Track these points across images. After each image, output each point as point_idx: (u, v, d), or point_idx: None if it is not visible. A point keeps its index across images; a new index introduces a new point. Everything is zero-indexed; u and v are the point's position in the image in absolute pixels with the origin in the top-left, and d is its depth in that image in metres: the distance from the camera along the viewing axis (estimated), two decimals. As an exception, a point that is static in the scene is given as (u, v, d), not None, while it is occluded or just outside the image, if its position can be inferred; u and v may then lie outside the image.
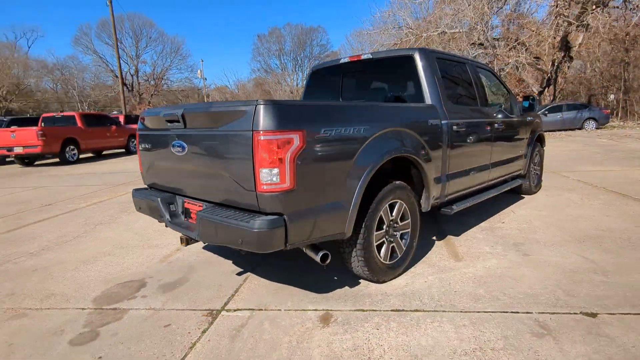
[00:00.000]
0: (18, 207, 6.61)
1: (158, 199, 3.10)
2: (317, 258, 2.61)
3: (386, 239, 3.08)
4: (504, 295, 2.80)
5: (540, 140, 5.96)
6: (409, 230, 3.29)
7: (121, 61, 52.96)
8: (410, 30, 22.72)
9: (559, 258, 3.42)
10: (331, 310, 2.72)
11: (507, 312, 2.57)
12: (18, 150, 12.90)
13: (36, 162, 14.77)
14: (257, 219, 2.30)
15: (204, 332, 2.52)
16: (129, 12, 57.70)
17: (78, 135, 14.06)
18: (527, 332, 2.33)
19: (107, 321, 2.73)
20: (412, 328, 2.44)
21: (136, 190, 3.52)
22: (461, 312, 2.60)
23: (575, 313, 2.52)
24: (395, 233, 3.17)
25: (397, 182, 3.10)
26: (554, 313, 2.53)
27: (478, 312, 2.59)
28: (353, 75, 4.30)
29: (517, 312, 2.56)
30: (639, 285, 2.83)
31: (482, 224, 4.50)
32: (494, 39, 21.53)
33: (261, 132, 2.24)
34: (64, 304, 3.01)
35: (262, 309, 2.78)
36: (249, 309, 2.78)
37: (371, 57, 4.00)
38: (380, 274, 3.04)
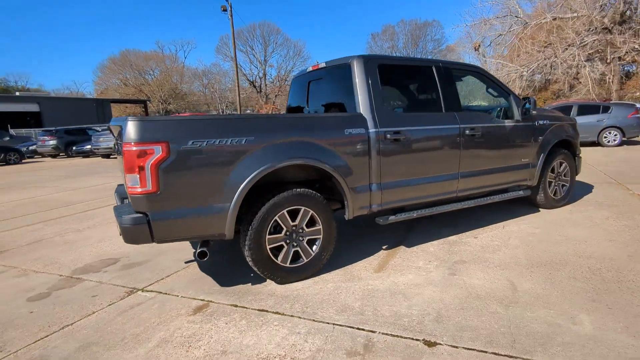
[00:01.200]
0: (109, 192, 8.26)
1: (115, 192, 3.76)
2: (196, 254, 2.92)
3: (286, 243, 3.20)
4: (373, 311, 2.69)
5: (568, 147, 5.08)
6: (321, 236, 3.33)
7: (252, 66, 58.76)
8: (519, 18, 20.45)
9: (482, 282, 3.05)
10: (213, 302, 2.99)
11: (352, 327, 2.51)
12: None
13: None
14: (125, 216, 2.72)
15: (110, 304, 3.05)
16: (261, 21, 63.50)
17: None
18: (344, 349, 2.27)
19: (62, 286, 3.47)
20: (253, 328, 2.58)
21: (119, 185, 4.26)
22: (312, 320, 2.62)
23: (416, 339, 2.33)
24: (300, 238, 3.26)
25: (300, 189, 3.18)
26: (395, 336, 2.38)
27: (327, 323, 2.58)
28: (316, 83, 4.37)
29: (362, 330, 2.47)
30: (532, 324, 2.43)
31: (452, 237, 4.14)
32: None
33: (124, 144, 2.64)
34: (54, 270, 3.88)
35: (166, 293, 3.20)
36: (157, 292, 3.23)
37: (325, 65, 4.04)
38: (279, 276, 3.18)
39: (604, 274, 3.05)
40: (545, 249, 3.65)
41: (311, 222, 3.30)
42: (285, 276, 3.21)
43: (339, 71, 3.82)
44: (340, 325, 2.54)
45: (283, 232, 3.18)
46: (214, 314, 2.80)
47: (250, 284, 3.28)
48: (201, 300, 3.04)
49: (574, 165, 5.15)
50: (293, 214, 3.20)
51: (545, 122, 4.70)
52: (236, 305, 2.90)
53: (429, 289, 2.98)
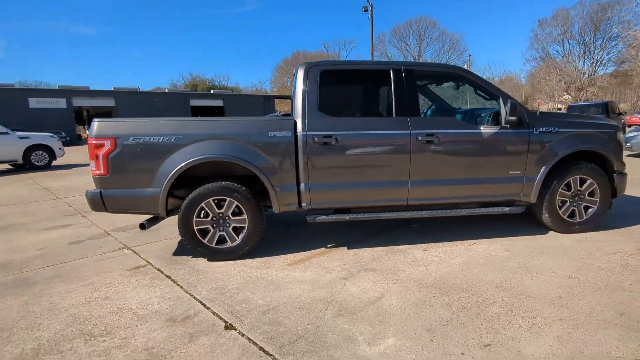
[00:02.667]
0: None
1: None
2: (139, 224, 3.73)
3: (212, 227, 3.72)
4: (235, 294, 3.00)
5: (598, 162, 4.04)
6: (246, 225, 3.73)
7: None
8: None
9: (357, 289, 2.98)
10: (151, 264, 3.73)
11: (201, 301, 2.90)
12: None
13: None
14: (89, 190, 3.69)
15: (101, 254, 4.14)
16: (417, 17, 62.35)
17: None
18: (170, 315, 2.72)
19: (94, 237, 4.76)
20: (146, 287, 3.21)
21: None
22: (185, 291, 3.10)
23: (223, 320, 2.59)
24: (227, 225, 3.73)
25: (224, 182, 3.65)
26: (216, 315, 2.68)
27: (191, 295, 3.03)
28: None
29: (204, 305, 2.85)
30: (330, 334, 2.39)
31: (401, 246, 3.92)
32: None
33: (88, 138, 3.59)
34: (104, 227, 5.27)
35: (137, 253, 4.11)
36: (133, 251, 4.18)
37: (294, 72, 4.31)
38: (205, 254, 3.73)
39: (485, 309, 2.61)
40: (473, 273, 3.20)
41: (238, 212, 3.73)
42: (211, 255, 3.74)
43: (294, 77, 4.07)
44: (196, 298, 2.97)
45: (210, 217, 3.71)
46: (140, 272, 3.56)
47: (191, 257, 3.93)
48: (146, 261, 3.83)
49: (606, 184, 4.06)
50: (221, 203, 3.70)
51: (551, 129, 3.89)
52: (160, 270, 3.60)
53: (302, 287, 3.09)
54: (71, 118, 36.04)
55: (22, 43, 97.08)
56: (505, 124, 3.78)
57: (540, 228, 4.27)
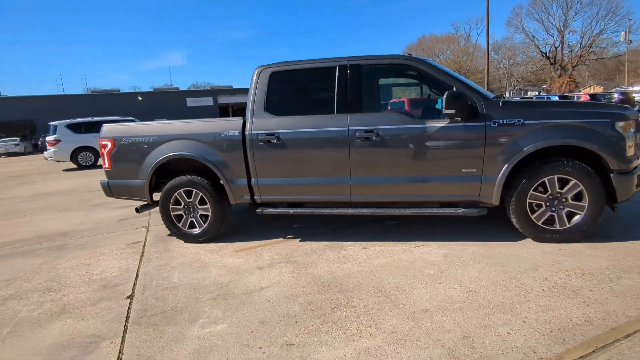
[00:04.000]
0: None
1: None
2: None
3: (185, 213, 4.31)
4: (154, 271, 3.53)
5: (584, 158, 3.22)
6: (209, 214, 4.21)
7: (547, 35, 51.31)
8: None
9: (256, 278, 3.17)
10: (147, 242, 4.54)
11: (128, 271, 3.50)
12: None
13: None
14: (102, 180, 4.64)
15: (124, 230, 5.17)
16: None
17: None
18: (105, 282, 3.38)
19: (134, 217, 5.89)
20: (115, 258, 3.98)
21: None
22: (133, 259, 3.76)
23: (125, 298, 3.12)
24: (196, 212, 4.28)
25: (191, 176, 4.18)
26: (119, 284, 3.24)
27: (131, 267, 3.66)
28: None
29: (127, 276, 3.44)
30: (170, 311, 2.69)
31: (347, 242, 3.86)
32: None
33: (99, 139, 4.52)
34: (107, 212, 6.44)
35: (147, 230, 5.00)
36: (146, 228, 5.09)
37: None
38: (180, 236, 4.36)
39: (338, 311, 2.52)
40: (376, 276, 3.03)
41: (204, 202, 4.23)
42: (183, 237, 4.34)
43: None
44: (138, 271, 3.58)
45: (182, 205, 4.31)
46: (131, 247, 4.37)
47: (176, 238, 4.60)
48: (144, 239, 4.65)
49: (598, 187, 3.22)
50: (190, 193, 4.26)
51: (514, 120, 3.28)
52: (144, 246, 4.36)
53: (218, 271, 3.42)
54: (216, 114, 42.00)
55: (200, 50, 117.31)
56: (442, 117, 3.39)
57: (519, 235, 3.65)
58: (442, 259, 3.30)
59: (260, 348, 2.23)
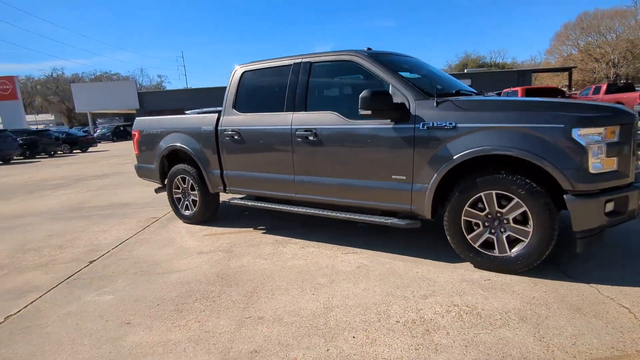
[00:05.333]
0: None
1: None
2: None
3: (182, 197, 4.87)
4: (130, 247, 4.11)
5: (532, 174, 2.47)
6: (197, 199, 4.66)
7: None
8: None
9: (185, 262, 3.45)
10: (157, 220, 5.30)
11: (117, 246, 4.16)
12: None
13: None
14: (135, 164, 5.53)
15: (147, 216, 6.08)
16: None
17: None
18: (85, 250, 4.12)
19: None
20: (116, 226, 4.77)
21: None
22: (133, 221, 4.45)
23: (98, 273, 3.76)
24: (188, 196, 4.79)
25: (183, 165, 4.70)
26: (94, 260, 3.88)
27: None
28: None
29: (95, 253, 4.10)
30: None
31: (293, 241, 3.82)
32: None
33: (132, 131, 5.40)
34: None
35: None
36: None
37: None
38: (180, 218, 4.96)
39: (177, 297, 2.61)
40: (274, 272, 2.99)
41: (194, 188, 4.71)
42: (182, 217, 4.93)
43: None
44: (121, 242, 4.26)
45: (180, 190, 4.87)
46: (144, 222, 5.14)
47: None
48: (159, 217, 5.41)
49: (545, 210, 2.45)
50: (184, 180, 4.79)
51: (445, 124, 2.73)
52: (152, 223, 5.09)
53: (169, 250, 3.84)
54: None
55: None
56: (360, 118, 3.07)
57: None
58: (352, 269, 3.04)
59: (107, 321, 2.53)
